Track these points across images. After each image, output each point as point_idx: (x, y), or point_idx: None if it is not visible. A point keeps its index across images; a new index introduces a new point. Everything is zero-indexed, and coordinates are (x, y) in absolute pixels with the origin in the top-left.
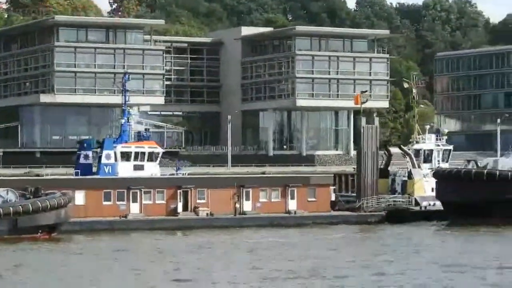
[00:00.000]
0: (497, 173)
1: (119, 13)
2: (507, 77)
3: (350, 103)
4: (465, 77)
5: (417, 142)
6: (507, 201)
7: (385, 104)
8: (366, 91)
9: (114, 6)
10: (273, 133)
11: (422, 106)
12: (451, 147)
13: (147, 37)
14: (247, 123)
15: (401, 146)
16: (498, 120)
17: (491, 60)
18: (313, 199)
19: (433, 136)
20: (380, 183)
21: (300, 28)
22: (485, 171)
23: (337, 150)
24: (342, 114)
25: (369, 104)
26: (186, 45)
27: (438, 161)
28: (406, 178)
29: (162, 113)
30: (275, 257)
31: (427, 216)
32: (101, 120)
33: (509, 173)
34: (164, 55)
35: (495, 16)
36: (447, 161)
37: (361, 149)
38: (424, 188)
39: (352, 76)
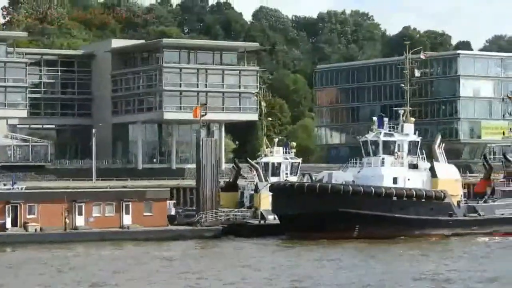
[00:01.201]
0: (329, 187)
1: (11, 25)
2: (383, 90)
3: (219, 116)
4: (343, 90)
5: (265, 155)
6: (339, 214)
7: (254, 117)
8: (205, 104)
9: (7, 19)
10: (142, 146)
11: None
12: (299, 160)
13: (11, 49)
14: (117, 136)
15: (248, 159)
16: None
17: (368, 73)
18: (149, 214)
19: (281, 149)
20: (228, 197)
21: (167, 40)
22: (318, 184)
23: None
24: (212, 127)
25: (237, 117)
26: (56, 57)
27: (287, 174)
28: (253, 192)
29: (32, 126)
30: None
31: (265, 230)
32: None
33: (342, 187)
34: (28, 67)
35: (391, 29)
36: (295, 174)
37: (200, 162)
38: (270, 201)
39: (221, 89)
